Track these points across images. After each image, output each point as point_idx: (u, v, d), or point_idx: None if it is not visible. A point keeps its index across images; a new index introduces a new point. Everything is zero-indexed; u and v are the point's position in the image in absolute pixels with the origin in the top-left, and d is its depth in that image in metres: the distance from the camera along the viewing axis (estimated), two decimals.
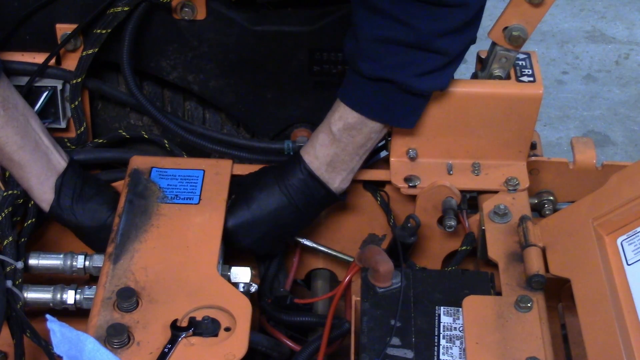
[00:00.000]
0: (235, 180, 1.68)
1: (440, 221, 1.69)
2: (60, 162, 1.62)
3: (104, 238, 1.59)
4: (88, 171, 1.71)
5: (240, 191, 1.65)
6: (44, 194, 1.61)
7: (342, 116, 1.58)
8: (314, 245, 1.75)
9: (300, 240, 1.75)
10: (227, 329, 1.39)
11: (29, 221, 1.63)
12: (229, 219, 1.61)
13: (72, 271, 1.61)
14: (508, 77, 1.67)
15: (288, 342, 1.60)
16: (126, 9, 1.65)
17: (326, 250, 1.77)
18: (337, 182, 1.62)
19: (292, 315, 1.64)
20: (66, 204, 1.61)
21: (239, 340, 1.37)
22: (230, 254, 1.67)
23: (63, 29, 1.68)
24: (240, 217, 1.62)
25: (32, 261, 1.61)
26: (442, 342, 1.42)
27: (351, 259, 1.71)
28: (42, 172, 1.59)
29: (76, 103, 1.72)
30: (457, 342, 1.42)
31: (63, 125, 1.74)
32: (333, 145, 1.59)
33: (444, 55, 1.51)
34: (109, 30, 1.66)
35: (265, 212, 1.61)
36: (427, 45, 1.48)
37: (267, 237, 1.65)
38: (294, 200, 1.61)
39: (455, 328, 1.44)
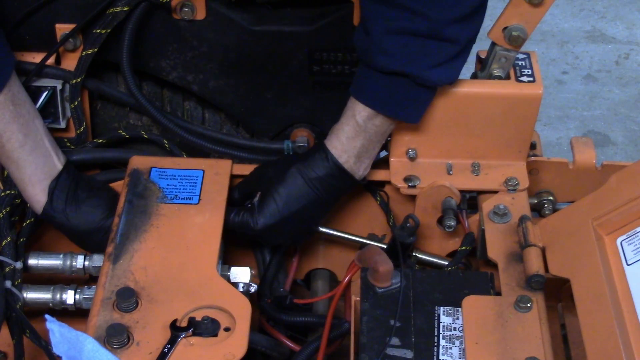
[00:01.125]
0: (256, 173, 1.68)
1: (440, 221, 1.69)
2: (56, 164, 1.61)
3: (97, 241, 1.60)
4: (85, 173, 1.71)
5: (264, 188, 1.64)
6: (36, 196, 1.60)
7: (360, 109, 1.58)
8: (333, 232, 1.75)
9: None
10: (227, 329, 1.39)
11: (28, 221, 1.63)
12: (259, 219, 1.61)
13: (71, 271, 1.61)
14: (508, 77, 1.66)
15: (288, 342, 1.60)
16: (126, 8, 1.65)
17: (346, 236, 1.76)
18: (361, 170, 1.64)
19: (292, 316, 1.64)
20: (59, 206, 1.60)
21: (238, 340, 1.37)
22: (230, 254, 1.68)
23: (63, 28, 1.68)
24: (271, 218, 1.61)
25: (32, 261, 1.61)
26: (442, 342, 1.42)
27: (368, 242, 1.73)
28: (37, 174, 1.59)
29: (76, 103, 1.72)
30: (457, 342, 1.42)
31: (63, 125, 1.74)
32: (360, 136, 1.60)
33: (454, 44, 1.52)
34: (109, 30, 1.66)
35: (294, 209, 1.62)
36: (438, 34, 1.49)
37: (296, 233, 1.69)
38: (321, 193, 1.62)
39: (454, 328, 1.44)
